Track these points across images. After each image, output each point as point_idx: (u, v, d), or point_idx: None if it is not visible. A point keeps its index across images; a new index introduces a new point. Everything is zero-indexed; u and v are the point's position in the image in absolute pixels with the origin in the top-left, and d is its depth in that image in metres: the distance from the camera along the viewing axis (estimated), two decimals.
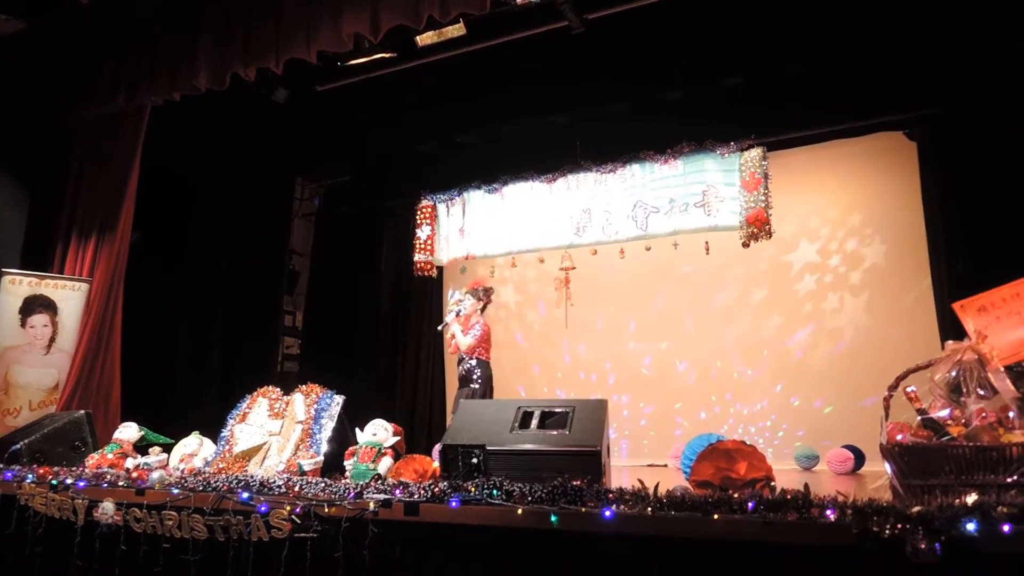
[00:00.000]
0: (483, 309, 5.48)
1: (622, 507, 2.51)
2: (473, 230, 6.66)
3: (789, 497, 2.33)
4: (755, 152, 5.61)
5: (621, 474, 4.72)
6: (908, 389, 2.60)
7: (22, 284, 5.56)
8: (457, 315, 5.34)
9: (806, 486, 2.35)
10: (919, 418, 2.52)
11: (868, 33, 5.22)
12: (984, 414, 2.38)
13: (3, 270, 5.57)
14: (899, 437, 2.48)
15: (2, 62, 6.17)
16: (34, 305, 5.53)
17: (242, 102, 6.57)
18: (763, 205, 5.49)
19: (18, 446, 3.80)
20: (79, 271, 5.84)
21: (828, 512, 2.24)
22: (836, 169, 6.27)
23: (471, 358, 5.23)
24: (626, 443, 6.75)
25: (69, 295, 5.67)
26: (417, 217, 6.86)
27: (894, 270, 5.98)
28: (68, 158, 6.24)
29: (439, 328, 5.56)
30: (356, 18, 4.94)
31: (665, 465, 6.12)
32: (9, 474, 3.55)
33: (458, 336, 5.26)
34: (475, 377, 5.17)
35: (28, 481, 3.45)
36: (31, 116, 6.22)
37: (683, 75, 6.00)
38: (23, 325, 5.49)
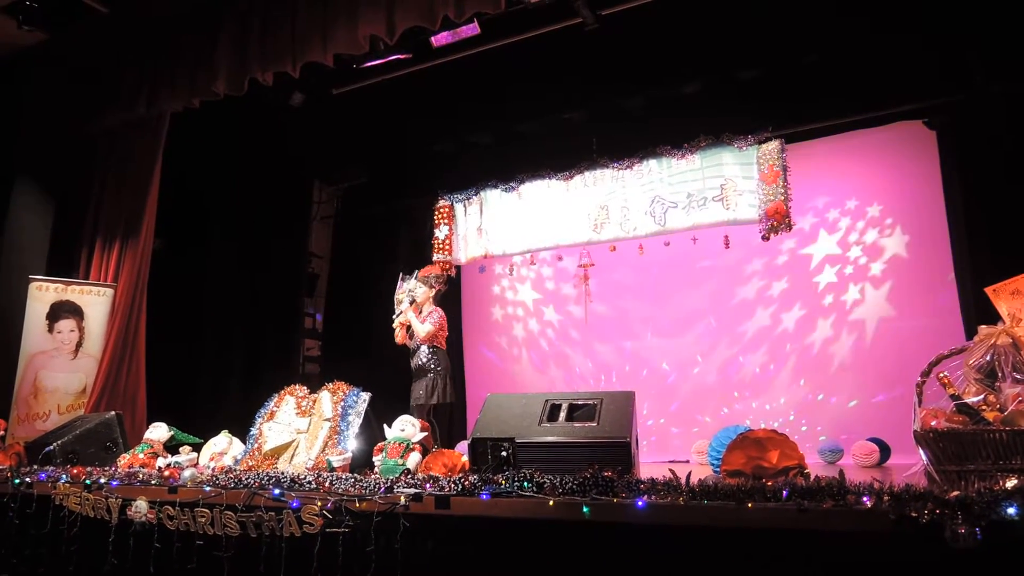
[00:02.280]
0: (435, 297, 5.32)
1: (654, 497, 2.51)
2: (491, 229, 6.67)
3: (824, 484, 2.32)
4: (773, 145, 5.58)
5: (642, 470, 4.70)
6: (941, 374, 2.58)
7: (49, 290, 5.64)
8: (412, 303, 5.17)
9: (841, 473, 2.34)
10: (953, 404, 2.50)
11: (885, 21, 5.17)
12: (1020, 398, 2.36)
13: (30, 276, 5.66)
14: (933, 423, 2.47)
15: (25, 72, 6.28)
16: (61, 311, 5.61)
17: (259, 107, 6.61)
18: (782, 198, 5.46)
19: (51, 447, 3.87)
20: (104, 276, 5.92)
21: (864, 499, 2.23)
22: (854, 160, 6.21)
23: (428, 347, 5.06)
24: (645, 440, 6.73)
25: (95, 300, 5.74)
26: (435, 217, 6.87)
27: (916, 260, 5.93)
28: (91, 165, 6.33)
29: (393, 325, 5.25)
30: (372, 20, 4.97)
31: (687, 461, 6.10)
32: (43, 475, 3.61)
33: (415, 324, 5.06)
34: (432, 366, 5.02)
35: (62, 481, 3.50)
36: (54, 125, 6.31)
37: (699, 69, 5.99)
38: (50, 330, 5.57)
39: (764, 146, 5.60)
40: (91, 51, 6.26)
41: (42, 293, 5.61)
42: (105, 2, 5.76)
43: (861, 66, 5.39)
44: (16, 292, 5.71)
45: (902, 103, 5.49)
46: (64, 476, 3.55)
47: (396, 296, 5.23)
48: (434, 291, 5.26)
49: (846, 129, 5.89)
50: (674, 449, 6.54)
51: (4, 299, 5.83)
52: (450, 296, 7.58)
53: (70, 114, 6.35)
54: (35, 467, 3.78)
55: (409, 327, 5.15)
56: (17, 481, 3.65)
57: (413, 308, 5.16)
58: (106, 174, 6.27)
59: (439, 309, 5.22)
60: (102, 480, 3.44)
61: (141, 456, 3.81)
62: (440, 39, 6.03)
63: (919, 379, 2.63)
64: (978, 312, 4.97)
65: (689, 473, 2.54)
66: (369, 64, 6.43)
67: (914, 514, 2.12)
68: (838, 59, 5.48)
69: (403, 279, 5.28)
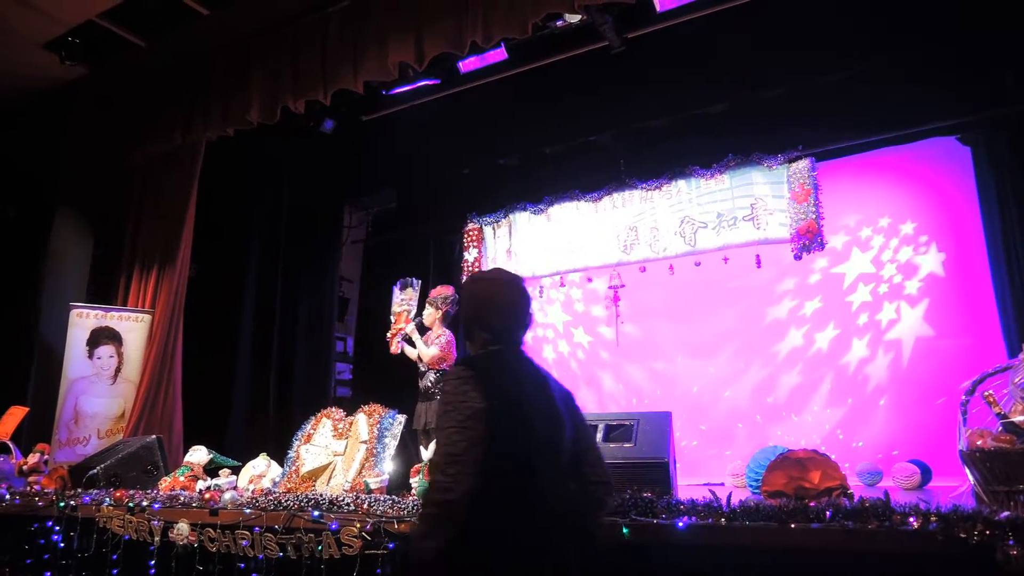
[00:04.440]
0: (443, 319, 5.07)
1: (694, 518, 2.49)
2: (520, 251, 6.71)
3: (868, 505, 2.29)
4: (803, 163, 5.56)
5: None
6: (986, 393, 2.54)
7: (89, 317, 5.77)
8: (419, 323, 5.00)
9: (886, 494, 2.31)
10: (1000, 423, 2.46)
11: (915, 35, 5.16)
12: None
13: (71, 304, 5.80)
14: (980, 443, 2.43)
15: (67, 105, 6.48)
16: (100, 337, 5.74)
17: (291, 134, 6.75)
18: (813, 216, 5.43)
19: (95, 471, 3.94)
20: (141, 303, 6.05)
21: (911, 520, 2.19)
22: (887, 177, 6.15)
23: (434, 370, 4.89)
24: (678, 462, 6.64)
25: (133, 326, 5.87)
26: (464, 240, 6.93)
27: (953, 278, 5.82)
28: (129, 194, 6.50)
29: (387, 336, 5.09)
30: (401, 47, 5.07)
31: (721, 484, 6.00)
32: (87, 498, 3.67)
33: (420, 347, 4.86)
34: (439, 389, 4.66)
35: (106, 504, 3.56)
36: (94, 156, 6.52)
37: (726, 88, 5.99)
38: (90, 356, 5.69)
39: (794, 164, 5.58)
40: (129, 83, 6.46)
41: (82, 320, 5.75)
42: (142, 36, 5.95)
43: (892, 82, 5.35)
44: (58, 319, 5.87)
45: (935, 119, 5.43)
46: (108, 499, 3.61)
47: (393, 310, 5.11)
48: (440, 312, 5.05)
49: (878, 146, 5.83)
50: (707, 471, 6.44)
51: (46, 326, 6.00)
52: None
53: (109, 145, 6.55)
54: (79, 490, 3.85)
55: (409, 341, 5.02)
56: (62, 504, 3.72)
57: (427, 323, 5.01)
58: (143, 202, 6.43)
59: (448, 332, 5.12)
60: (144, 503, 3.49)
61: (182, 479, 3.86)
62: (468, 64, 6.15)
63: (963, 398, 2.59)
64: (1020, 329, 4.89)
65: (730, 494, 2.52)
66: (398, 90, 6.56)
67: (963, 535, 2.08)
68: (869, 75, 5.44)
69: (400, 289, 5.16)
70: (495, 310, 2.07)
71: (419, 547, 1.78)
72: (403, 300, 5.09)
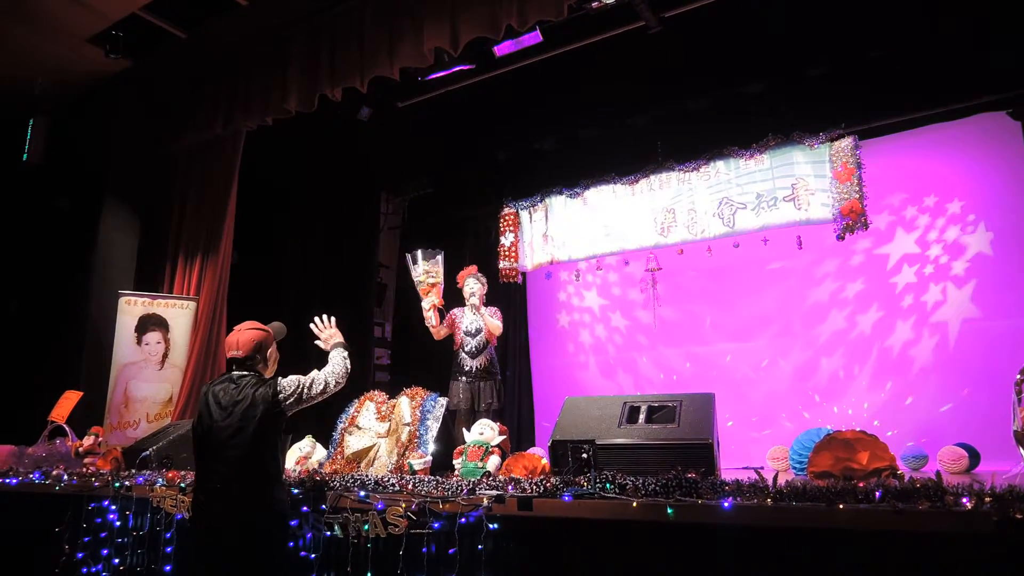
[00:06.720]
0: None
1: (740, 499, 2.48)
2: (556, 235, 6.69)
3: (919, 486, 2.26)
4: (846, 142, 5.45)
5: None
6: None
7: (136, 304, 5.92)
8: (475, 299, 5.02)
9: (938, 474, 2.28)
10: None
11: (963, 4, 5.00)
12: None
13: (120, 292, 5.95)
14: None
15: (112, 98, 6.63)
16: (148, 323, 5.88)
17: (329, 122, 6.81)
18: (857, 196, 5.32)
19: (147, 452, 4.06)
20: (186, 290, 6.18)
21: (964, 500, 2.16)
22: (933, 154, 5.99)
23: (490, 349, 5.02)
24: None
25: (179, 313, 6.00)
26: (500, 225, 6.94)
27: (1002, 257, 5.67)
28: (173, 184, 6.64)
29: (425, 308, 5.04)
30: (436, 33, 5.08)
31: (762, 467, 5.94)
32: (141, 478, 3.79)
33: (488, 321, 4.95)
34: (496, 369, 5.00)
35: (159, 484, 3.67)
36: (139, 146, 6.67)
37: (765, 67, 5.90)
38: (139, 343, 5.84)
39: (837, 143, 5.47)
40: (172, 74, 6.58)
41: (131, 307, 5.90)
42: (183, 28, 6.04)
43: (937, 56, 5.21)
44: (107, 306, 6.03)
45: (983, 94, 5.27)
46: (160, 479, 3.72)
47: (416, 279, 5.14)
48: (486, 287, 5.19)
49: (923, 123, 5.69)
50: (747, 455, 6.38)
51: (97, 313, 6.17)
52: (517, 303, 7.65)
53: (154, 136, 6.69)
54: (132, 471, 3.98)
55: (436, 312, 5.05)
56: (117, 484, 3.84)
57: (479, 303, 5.05)
58: (186, 192, 6.57)
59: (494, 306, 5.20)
60: None
61: None
62: (503, 48, 6.12)
63: (1018, 377, 2.53)
64: None
65: (776, 474, 2.50)
66: (434, 76, 6.56)
67: (1019, 516, 2.04)
68: (913, 50, 5.30)
69: (413, 261, 5.19)
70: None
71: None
72: (430, 272, 5.05)
